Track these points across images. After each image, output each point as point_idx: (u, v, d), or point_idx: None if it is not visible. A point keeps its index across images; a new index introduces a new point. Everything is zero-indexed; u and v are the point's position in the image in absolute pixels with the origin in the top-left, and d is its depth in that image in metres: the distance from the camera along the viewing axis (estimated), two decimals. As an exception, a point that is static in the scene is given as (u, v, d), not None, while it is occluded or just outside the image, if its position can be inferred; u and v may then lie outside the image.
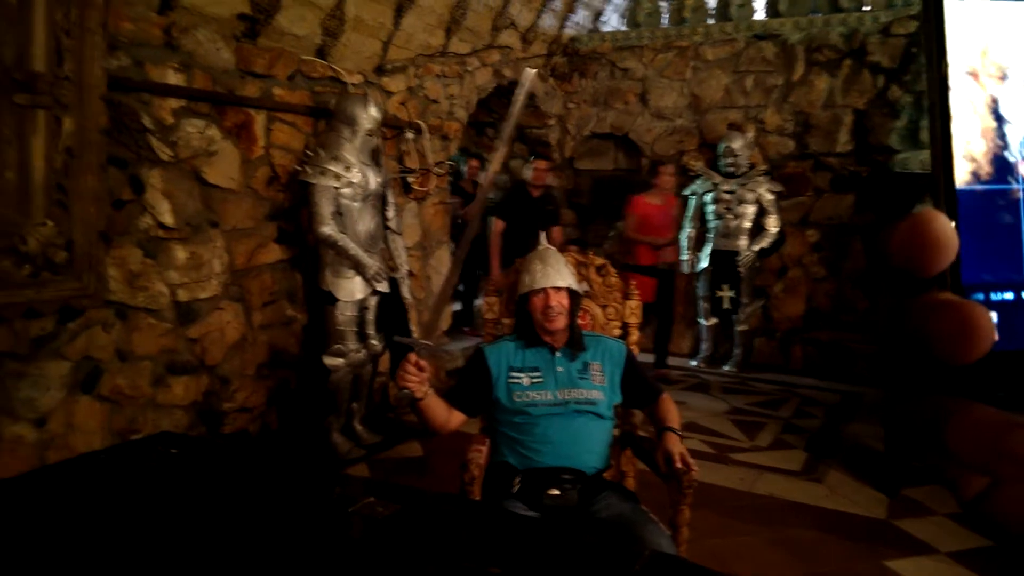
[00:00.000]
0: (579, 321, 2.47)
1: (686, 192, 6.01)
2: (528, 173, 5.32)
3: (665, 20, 6.54)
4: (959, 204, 3.14)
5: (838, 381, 5.53)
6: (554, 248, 2.37)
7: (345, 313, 3.71)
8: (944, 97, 3.22)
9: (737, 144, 5.68)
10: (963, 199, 3.19)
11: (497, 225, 5.18)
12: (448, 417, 2.18)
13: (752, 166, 5.70)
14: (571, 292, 2.26)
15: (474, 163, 6.54)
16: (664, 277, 5.55)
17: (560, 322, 2.22)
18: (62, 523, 1.48)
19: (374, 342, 3.86)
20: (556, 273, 2.24)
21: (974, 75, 3.24)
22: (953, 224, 2.39)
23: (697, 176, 5.97)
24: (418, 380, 1.94)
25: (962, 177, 3.21)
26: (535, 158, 5.38)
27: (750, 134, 5.81)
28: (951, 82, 3.19)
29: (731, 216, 5.67)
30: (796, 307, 5.90)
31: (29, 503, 1.58)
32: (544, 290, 2.21)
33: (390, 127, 4.50)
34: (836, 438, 4.34)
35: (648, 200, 5.50)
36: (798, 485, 3.64)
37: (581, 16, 6.37)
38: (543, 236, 2.46)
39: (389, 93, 4.54)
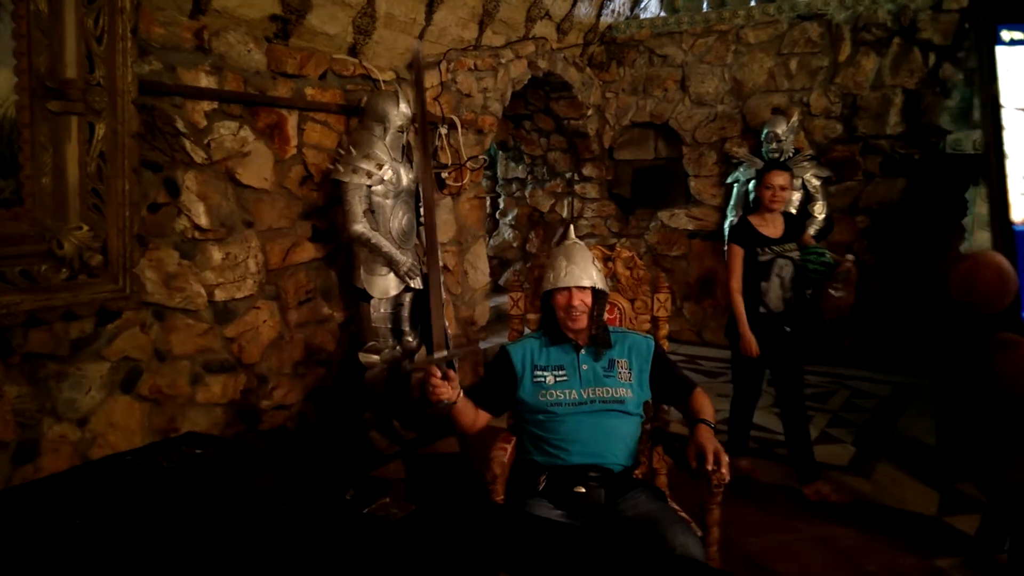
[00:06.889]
0: (607, 316, 2.42)
1: (729, 180, 5.89)
2: None
3: (705, 4, 6.39)
4: (1018, 241, 3.17)
5: (890, 372, 5.31)
6: (581, 243, 2.31)
7: (380, 310, 3.72)
8: (999, 139, 3.26)
9: (781, 129, 5.48)
10: (1021, 236, 3.22)
11: None
12: (475, 418, 2.17)
13: (797, 151, 5.50)
14: (596, 291, 2.20)
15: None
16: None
17: (582, 322, 2.17)
18: (77, 523, 1.50)
19: (409, 339, 3.86)
20: (582, 272, 2.18)
21: None
22: (1010, 263, 2.36)
23: (740, 163, 5.83)
24: (449, 389, 1.98)
25: (1024, 213, 3.23)
26: None
27: (795, 118, 5.62)
28: (1006, 120, 3.27)
29: (775, 203, 5.49)
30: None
31: (43, 506, 1.61)
32: (568, 289, 2.17)
33: (423, 123, 4.48)
34: (886, 432, 4.18)
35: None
36: (845, 480, 3.52)
37: (618, 3, 6.26)
38: (571, 229, 2.40)
39: (422, 89, 4.52)
